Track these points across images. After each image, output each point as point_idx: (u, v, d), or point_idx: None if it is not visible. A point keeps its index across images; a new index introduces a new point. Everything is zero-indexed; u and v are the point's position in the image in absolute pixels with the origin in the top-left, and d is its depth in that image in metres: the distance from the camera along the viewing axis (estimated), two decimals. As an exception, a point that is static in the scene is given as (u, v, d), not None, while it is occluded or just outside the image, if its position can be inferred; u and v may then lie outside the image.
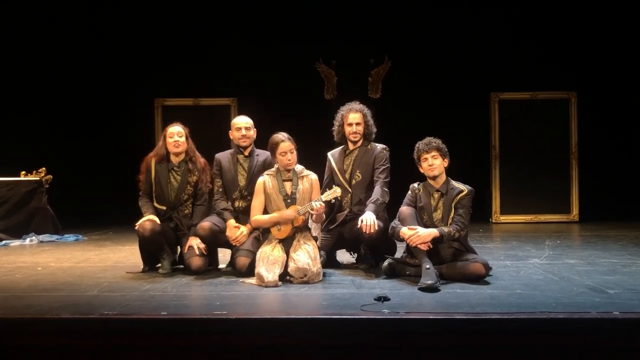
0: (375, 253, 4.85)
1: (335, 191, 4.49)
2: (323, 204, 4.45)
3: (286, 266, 4.34)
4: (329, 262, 5.03)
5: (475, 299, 3.64)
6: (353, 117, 4.99)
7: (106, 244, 7.38)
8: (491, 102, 10.24)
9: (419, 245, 4.20)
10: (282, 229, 4.53)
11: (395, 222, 4.42)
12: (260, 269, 4.25)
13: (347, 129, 5.01)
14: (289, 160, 4.58)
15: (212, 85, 10.31)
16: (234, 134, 5.03)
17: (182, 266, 4.95)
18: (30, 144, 9.19)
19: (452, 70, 10.07)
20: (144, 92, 10.30)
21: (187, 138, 5.02)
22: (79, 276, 4.73)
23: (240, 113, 10.37)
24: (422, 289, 3.92)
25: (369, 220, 4.49)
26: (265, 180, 4.66)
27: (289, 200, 4.58)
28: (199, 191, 5.01)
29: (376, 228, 4.48)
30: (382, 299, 3.54)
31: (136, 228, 4.76)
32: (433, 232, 4.25)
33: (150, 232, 4.67)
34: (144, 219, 4.78)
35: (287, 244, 4.52)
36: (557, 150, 10.16)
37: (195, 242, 4.75)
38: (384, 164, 4.95)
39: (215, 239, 4.77)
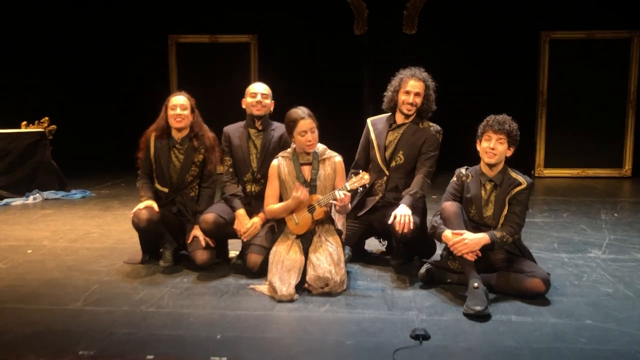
0: (410, 249, 4.14)
1: (363, 178, 3.72)
2: (348, 194, 3.70)
3: (304, 272, 3.66)
4: (357, 252, 4.35)
5: (536, 338, 2.92)
6: (413, 85, 4.13)
7: (113, 204, 6.81)
8: (541, 42, 9.16)
9: (465, 255, 3.46)
10: (300, 222, 3.82)
11: (437, 221, 3.67)
12: (273, 277, 3.58)
13: (402, 98, 4.15)
14: (309, 141, 3.80)
15: (231, 21, 9.39)
16: (247, 101, 4.23)
17: (186, 252, 4.33)
18: (31, 91, 8.48)
19: (498, 4, 8.95)
20: (157, 28, 9.44)
21: (192, 110, 4.24)
22: (69, 269, 4.13)
23: (260, 54, 9.61)
24: (468, 316, 3.22)
25: (403, 217, 3.74)
26: (279, 163, 3.91)
27: (307, 188, 3.84)
28: (206, 172, 4.29)
29: (411, 227, 3.74)
30: (420, 337, 2.86)
31: (131, 217, 4.10)
32: (483, 238, 3.50)
33: (147, 222, 4.01)
34: (140, 205, 4.11)
35: (306, 240, 3.83)
36: (613, 97, 9.11)
37: (200, 233, 4.09)
38: (433, 151, 4.13)
39: (221, 232, 4.10)
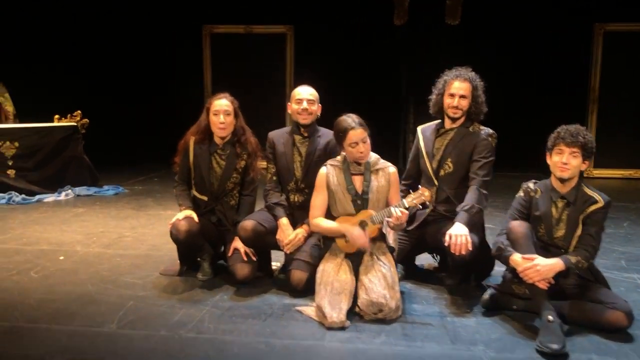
0: (466, 268, 3.80)
1: (422, 194, 3.39)
2: (406, 211, 3.38)
3: (355, 294, 3.36)
4: (407, 267, 4.04)
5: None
6: (458, 87, 3.78)
7: (147, 202, 6.59)
8: (594, 34, 8.65)
9: (537, 283, 3.12)
10: (350, 240, 3.51)
11: (503, 242, 3.32)
12: (322, 301, 3.28)
13: (447, 101, 3.81)
14: (361, 152, 3.48)
15: (267, 11, 9.07)
16: (292, 107, 3.92)
17: (225, 263, 4.07)
18: (64, 85, 8.29)
19: (548, -6, 8.47)
20: (191, 18, 9.17)
21: (236, 114, 3.94)
22: (102, 281, 3.90)
23: (296, 45, 9.26)
24: (543, 354, 2.88)
25: (460, 237, 3.39)
26: (328, 172, 3.59)
27: (359, 202, 3.53)
28: (247, 178, 4.01)
29: (469, 248, 3.40)
30: (493, 382, 2.54)
31: (169, 228, 3.83)
32: (557, 264, 3.14)
33: (186, 234, 3.74)
34: (178, 215, 3.84)
35: (356, 258, 3.52)
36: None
37: (241, 245, 3.81)
38: (487, 157, 3.76)
39: (261, 242, 3.81)
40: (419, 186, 3.48)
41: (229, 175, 3.95)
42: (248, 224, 3.74)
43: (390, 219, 3.40)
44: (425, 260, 4.25)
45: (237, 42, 9.21)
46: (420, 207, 3.47)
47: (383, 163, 3.62)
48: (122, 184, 7.59)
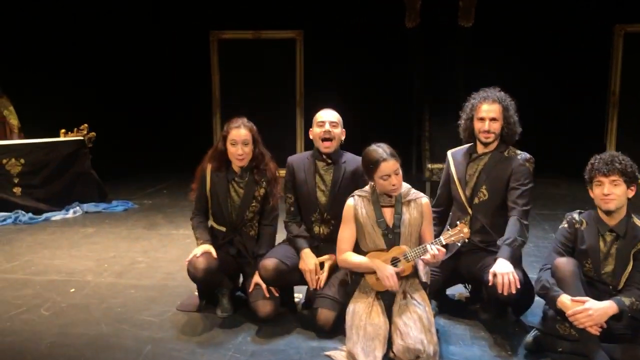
0: (503, 302, 3.57)
1: (461, 231, 3.16)
2: (443, 249, 3.15)
3: (389, 338, 3.13)
4: (438, 302, 3.80)
5: None
6: (487, 110, 3.55)
7: (157, 219, 6.37)
8: (614, 36, 8.38)
9: (588, 328, 2.89)
10: (380, 279, 3.28)
11: (549, 281, 3.09)
12: (355, 347, 3.05)
13: (477, 125, 3.59)
14: (394, 185, 3.25)
15: (275, 15, 8.83)
16: (314, 132, 3.68)
17: (243, 295, 3.86)
18: (68, 96, 8.05)
19: (565, -6, 8.22)
20: (198, 24, 8.93)
21: (254, 141, 3.71)
22: (117, 320, 3.68)
23: (306, 50, 9.00)
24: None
25: (506, 275, 3.16)
26: (356, 204, 3.36)
27: (390, 236, 3.30)
28: (267, 207, 3.78)
29: (518, 286, 3.17)
30: None
31: (186, 265, 3.61)
32: (610, 308, 2.92)
33: (204, 272, 3.52)
34: (196, 251, 3.61)
35: (387, 297, 3.29)
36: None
37: (262, 281, 3.60)
38: (526, 184, 3.52)
39: (284, 281, 3.61)
40: (458, 222, 3.26)
41: (248, 204, 3.73)
42: (269, 263, 3.51)
43: (426, 258, 3.17)
44: (455, 289, 4.02)
45: (245, 48, 8.98)
46: (459, 244, 3.24)
47: (415, 194, 3.39)
48: (131, 197, 7.38)
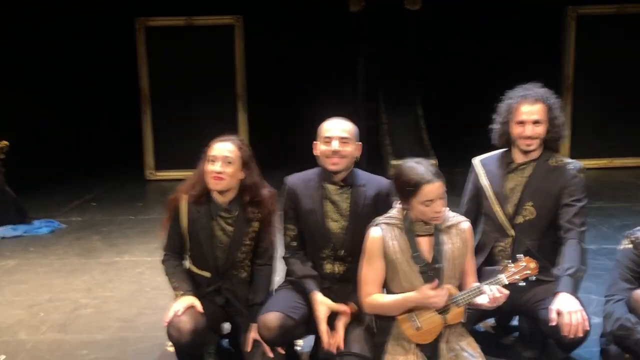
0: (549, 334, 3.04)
1: (528, 266, 2.59)
2: (505, 292, 2.56)
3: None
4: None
5: None
6: (528, 111, 2.96)
7: (93, 242, 5.42)
8: (567, 18, 8.09)
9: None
10: (424, 327, 2.64)
11: (630, 320, 2.58)
12: None
13: (517, 130, 3.00)
14: (438, 213, 2.60)
15: (210, 0, 7.90)
16: (319, 148, 2.95)
17: (233, 350, 3.12)
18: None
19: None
20: (122, 10, 7.84)
21: (245, 165, 2.91)
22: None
23: (246, 37, 8.13)
24: None
25: (574, 314, 2.61)
26: (384, 235, 2.69)
27: (430, 273, 2.65)
28: (262, 245, 3.01)
29: (587, 328, 2.62)
30: None
31: (165, 327, 2.80)
32: None
33: (192, 335, 2.74)
34: (177, 306, 2.80)
35: (429, 348, 2.66)
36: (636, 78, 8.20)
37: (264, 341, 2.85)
38: (582, 200, 2.97)
39: (291, 338, 2.92)
40: (520, 255, 2.65)
41: (239, 244, 2.95)
42: (272, 319, 2.76)
43: (480, 301, 2.56)
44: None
45: (177, 37, 7.97)
46: (523, 283, 2.64)
47: (454, 217, 2.76)
48: (55, 214, 6.29)
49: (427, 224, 2.68)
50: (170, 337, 2.77)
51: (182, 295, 2.87)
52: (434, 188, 2.55)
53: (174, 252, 3.03)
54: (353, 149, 2.91)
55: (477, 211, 3.18)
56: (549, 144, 3.04)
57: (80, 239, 5.52)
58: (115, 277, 4.53)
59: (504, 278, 2.57)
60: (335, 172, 2.91)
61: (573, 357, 3.05)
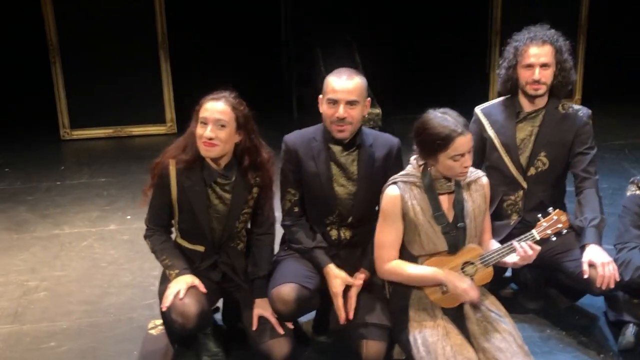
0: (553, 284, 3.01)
1: (560, 220, 2.48)
2: (537, 247, 2.44)
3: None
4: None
5: None
6: (537, 54, 2.82)
7: (22, 214, 4.76)
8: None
9: None
10: (451, 291, 2.48)
11: None
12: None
13: (525, 74, 2.85)
14: (466, 168, 2.42)
15: None
16: (323, 108, 2.62)
17: (225, 326, 2.84)
18: None
19: None
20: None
21: (242, 127, 2.52)
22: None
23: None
24: None
25: (607, 266, 2.54)
26: (402, 194, 2.47)
27: (452, 233, 2.48)
28: (261, 211, 2.70)
29: (617, 279, 2.57)
30: None
31: (163, 310, 2.45)
32: None
33: (198, 319, 2.42)
34: (175, 288, 2.45)
35: (453, 311, 2.51)
36: (562, 23, 8.39)
37: (269, 313, 2.59)
38: (594, 147, 2.90)
39: (307, 310, 2.67)
40: (550, 209, 2.53)
41: (238, 212, 2.61)
42: (288, 292, 2.49)
43: (511, 260, 2.44)
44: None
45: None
46: (554, 237, 2.52)
47: (474, 173, 2.59)
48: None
49: (448, 181, 2.49)
50: (173, 322, 2.43)
51: (177, 274, 2.52)
52: (466, 141, 2.36)
53: (160, 225, 2.65)
54: (360, 110, 2.60)
55: (479, 164, 3.03)
56: (556, 90, 2.92)
57: (6, 212, 4.85)
58: (61, 253, 4.01)
59: (535, 233, 2.46)
60: (342, 140, 2.62)
61: (577, 305, 3.05)
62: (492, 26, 8.30)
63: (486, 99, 8.36)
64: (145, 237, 2.66)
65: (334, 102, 2.56)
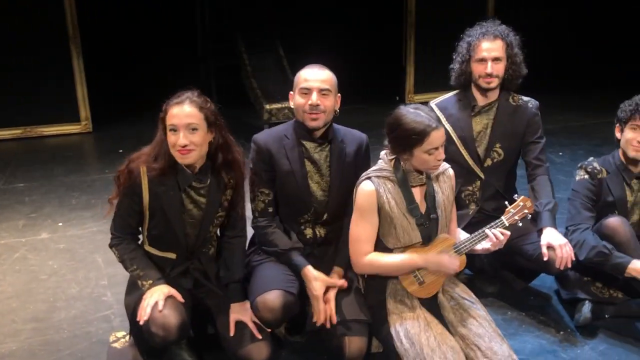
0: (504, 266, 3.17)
1: (525, 206, 2.58)
2: (507, 232, 2.54)
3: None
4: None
5: None
6: (488, 48, 2.93)
7: None
8: None
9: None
10: (427, 281, 2.54)
11: (607, 246, 2.73)
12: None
13: (478, 69, 2.95)
14: (439, 160, 2.48)
15: None
16: (295, 100, 2.59)
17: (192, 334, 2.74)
18: None
19: None
20: None
21: (213, 124, 2.43)
22: None
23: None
24: None
25: (564, 248, 2.70)
26: (377, 189, 2.49)
27: (426, 225, 2.54)
28: (234, 213, 2.62)
29: (574, 259, 2.73)
30: None
31: (141, 324, 2.32)
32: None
33: (179, 330, 2.32)
34: (152, 299, 2.33)
35: (427, 301, 2.58)
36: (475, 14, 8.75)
37: (248, 318, 2.53)
38: (543, 137, 3.06)
39: (291, 313, 2.58)
40: (515, 195, 2.64)
41: (213, 217, 2.53)
42: (274, 298, 2.44)
43: (483, 246, 2.53)
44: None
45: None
46: (520, 224, 2.63)
47: (442, 165, 2.65)
48: None
49: (420, 174, 2.54)
50: (154, 335, 2.31)
51: (152, 284, 2.40)
52: (440, 134, 2.41)
53: (127, 232, 2.51)
54: (334, 102, 2.61)
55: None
56: (507, 83, 3.04)
57: None
58: (4, 253, 3.72)
59: (505, 220, 2.55)
60: (315, 129, 2.60)
61: (531, 286, 3.21)
62: (407, 19, 8.54)
63: (401, 97, 8.60)
64: (111, 245, 2.51)
65: (307, 91, 2.54)
